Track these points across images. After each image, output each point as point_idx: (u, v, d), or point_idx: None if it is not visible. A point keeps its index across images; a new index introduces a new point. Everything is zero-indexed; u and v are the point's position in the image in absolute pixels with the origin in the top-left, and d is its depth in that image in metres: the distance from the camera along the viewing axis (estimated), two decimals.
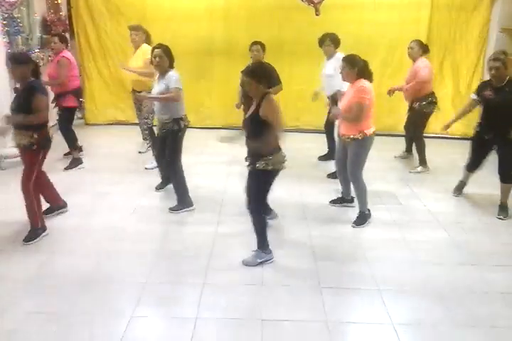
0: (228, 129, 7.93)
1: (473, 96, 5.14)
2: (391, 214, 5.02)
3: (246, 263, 3.98)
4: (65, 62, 5.86)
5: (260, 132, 3.68)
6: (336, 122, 5.17)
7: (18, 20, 6.18)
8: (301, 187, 5.66)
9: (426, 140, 6.52)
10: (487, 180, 5.58)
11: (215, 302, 3.47)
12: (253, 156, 3.84)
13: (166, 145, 4.90)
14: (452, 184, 5.73)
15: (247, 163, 3.92)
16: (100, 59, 7.95)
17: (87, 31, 7.83)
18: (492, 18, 7.47)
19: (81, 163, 6.24)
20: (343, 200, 5.18)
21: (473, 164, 5.33)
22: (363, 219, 4.77)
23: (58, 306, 3.38)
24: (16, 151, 6.07)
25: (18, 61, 4.28)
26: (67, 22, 7.59)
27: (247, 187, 4.01)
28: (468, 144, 5.47)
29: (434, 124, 7.97)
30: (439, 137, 7.82)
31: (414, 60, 6.29)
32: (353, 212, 4.96)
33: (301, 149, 6.84)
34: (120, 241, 4.32)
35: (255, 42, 6.13)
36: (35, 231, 4.35)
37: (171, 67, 4.86)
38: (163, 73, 4.84)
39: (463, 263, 4.09)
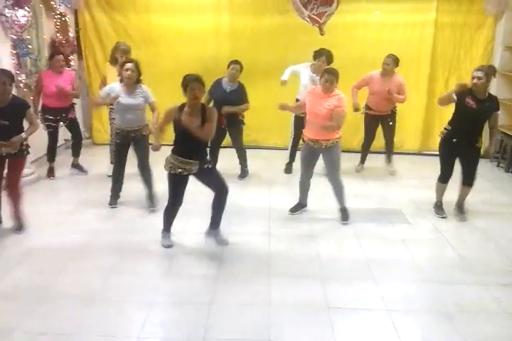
0: None
1: (454, 96, 5.09)
2: (399, 232, 4.98)
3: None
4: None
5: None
6: None
7: (27, 42, 6.25)
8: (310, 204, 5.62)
9: (427, 158, 6.67)
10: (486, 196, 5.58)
11: (222, 323, 3.43)
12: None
13: (140, 151, 5.28)
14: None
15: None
16: None
17: (95, 52, 7.93)
18: (496, 36, 7.52)
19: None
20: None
21: (446, 175, 5.33)
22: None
23: (63, 327, 3.34)
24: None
25: (12, 78, 4.35)
26: (75, 43, 7.70)
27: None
28: None
29: (433, 142, 7.91)
30: (437, 155, 7.76)
31: (388, 75, 6.45)
32: (363, 231, 4.97)
33: None
34: (125, 259, 4.29)
35: (235, 62, 6.14)
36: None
37: (139, 81, 5.15)
38: (132, 87, 5.08)
39: (472, 283, 4.03)
